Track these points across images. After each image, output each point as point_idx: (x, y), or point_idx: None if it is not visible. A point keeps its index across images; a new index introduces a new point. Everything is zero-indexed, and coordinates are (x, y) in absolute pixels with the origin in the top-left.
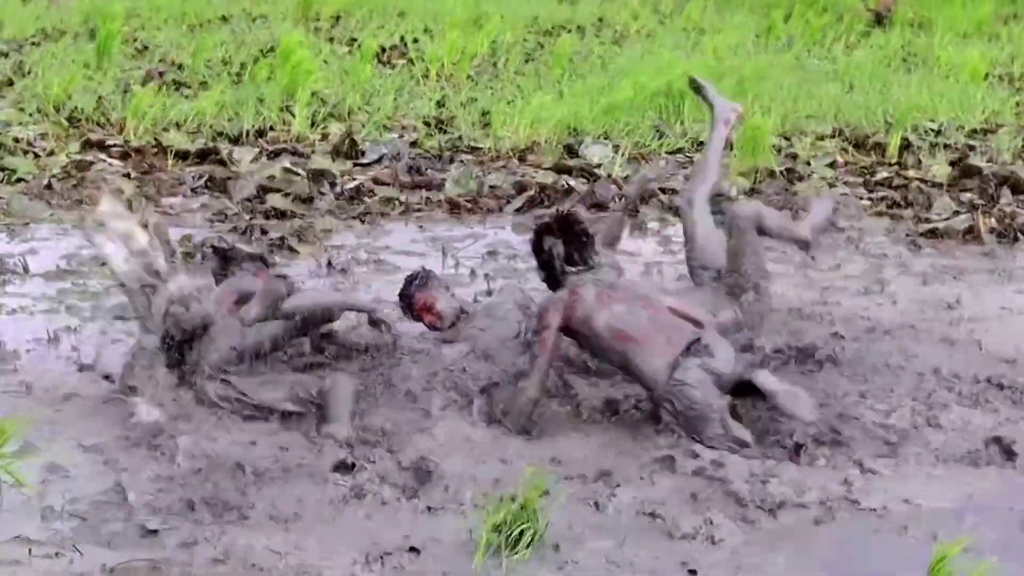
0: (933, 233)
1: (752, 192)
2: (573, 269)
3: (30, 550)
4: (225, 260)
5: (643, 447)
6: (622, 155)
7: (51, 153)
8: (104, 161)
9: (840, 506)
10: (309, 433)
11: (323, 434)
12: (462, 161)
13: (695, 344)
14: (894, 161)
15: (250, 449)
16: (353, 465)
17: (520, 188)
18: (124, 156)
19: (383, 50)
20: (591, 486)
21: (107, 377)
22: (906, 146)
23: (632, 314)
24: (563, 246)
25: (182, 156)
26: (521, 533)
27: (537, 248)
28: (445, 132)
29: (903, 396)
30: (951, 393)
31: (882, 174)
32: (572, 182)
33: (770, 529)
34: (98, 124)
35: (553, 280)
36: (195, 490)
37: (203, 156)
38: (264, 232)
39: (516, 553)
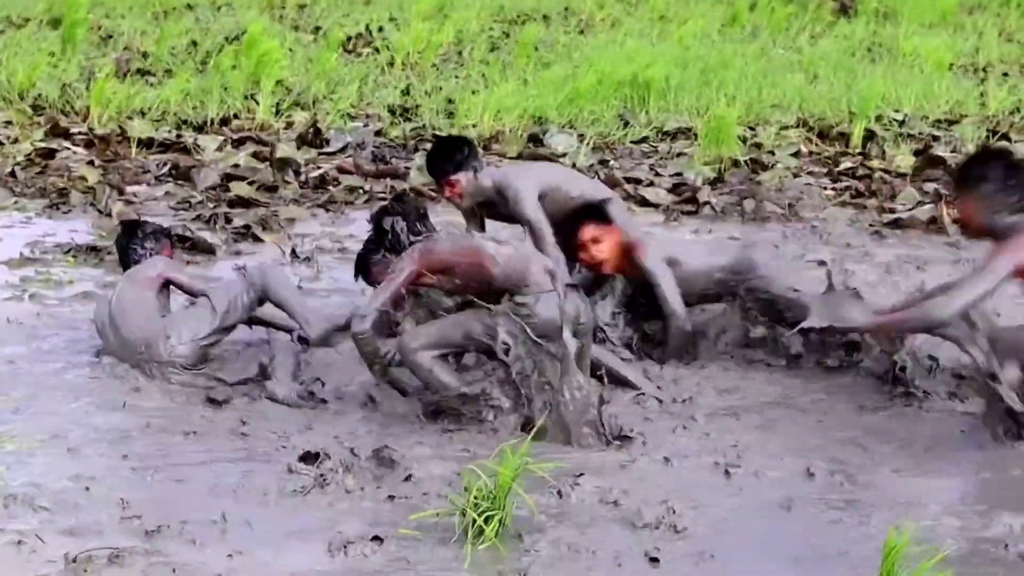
0: (897, 223)
1: (716, 181)
2: (418, 238)
3: None
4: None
5: None
6: (587, 144)
7: (15, 141)
8: (68, 149)
9: None
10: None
11: (267, 393)
12: (426, 150)
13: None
14: (858, 151)
15: (214, 440)
16: (317, 455)
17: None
18: (88, 144)
19: (348, 39)
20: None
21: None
22: (870, 136)
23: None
24: (404, 221)
25: (147, 144)
26: (486, 521)
27: (379, 230)
28: (410, 121)
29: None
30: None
31: (846, 164)
32: None
33: None
34: (62, 112)
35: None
36: (158, 480)
37: (167, 144)
38: (228, 220)
39: (482, 541)
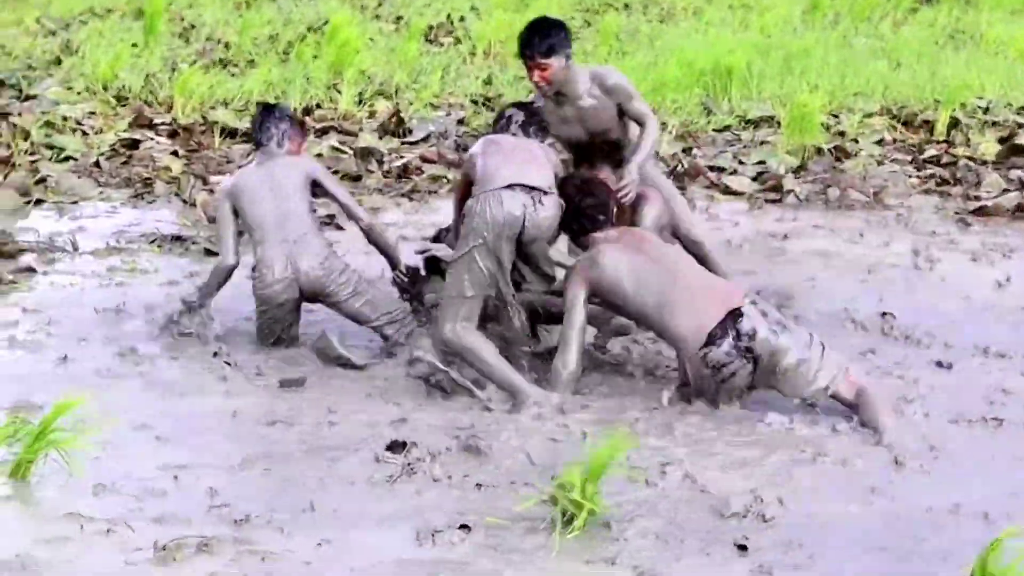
0: (982, 211)
1: (800, 169)
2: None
3: (82, 526)
4: None
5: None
6: (670, 132)
7: (99, 131)
8: (152, 139)
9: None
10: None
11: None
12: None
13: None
14: (942, 139)
15: (301, 429)
16: (404, 444)
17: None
18: (172, 134)
19: (430, 28)
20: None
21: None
22: (954, 124)
23: (660, 275)
24: (523, 119)
25: (230, 134)
26: (576, 509)
27: (499, 116)
28: (492, 110)
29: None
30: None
31: (930, 152)
32: None
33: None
34: (146, 102)
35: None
36: (246, 469)
37: (250, 134)
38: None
39: (571, 530)
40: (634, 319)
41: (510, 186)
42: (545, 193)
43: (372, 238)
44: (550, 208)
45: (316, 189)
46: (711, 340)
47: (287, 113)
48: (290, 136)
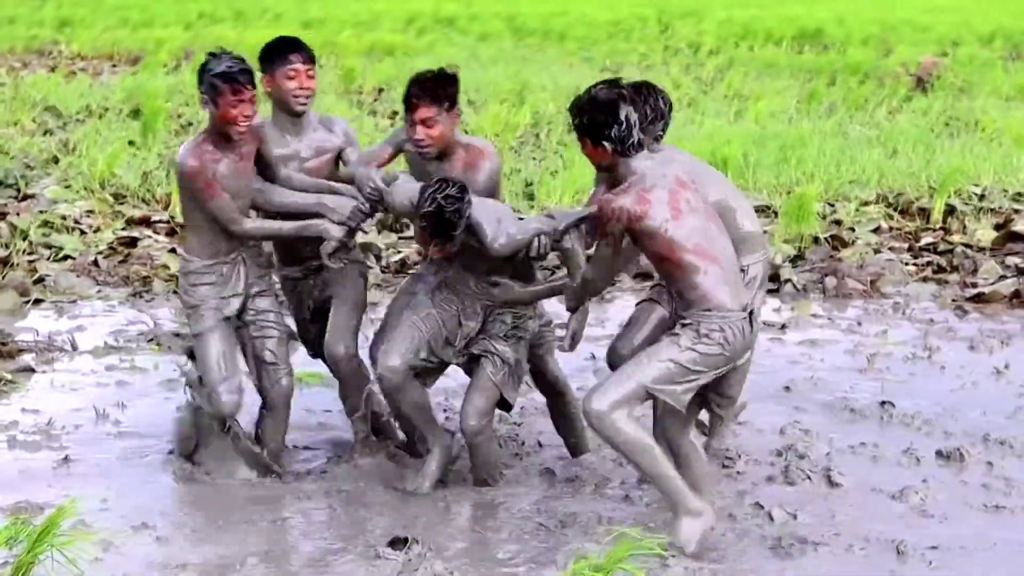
0: (979, 298)
1: (797, 259)
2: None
3: None
4: None
5: None
6: None
7: (97, 230)
8: (150, 237)
9: None
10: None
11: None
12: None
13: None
14: (939, 226)
15: (302, 525)
16: (406, 540)
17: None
18: (170, 232)
19: None
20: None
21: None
22: (950, 211)
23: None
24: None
25: None
26: None
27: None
28: None
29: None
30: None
31: (927, 239)
32: None
33: None
34: (143, 200)
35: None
36: (247, 568)
37: None
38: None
39: None
40: (663, 270)
41: None
42: None
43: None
44: None
45: None
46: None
47: None
48: None
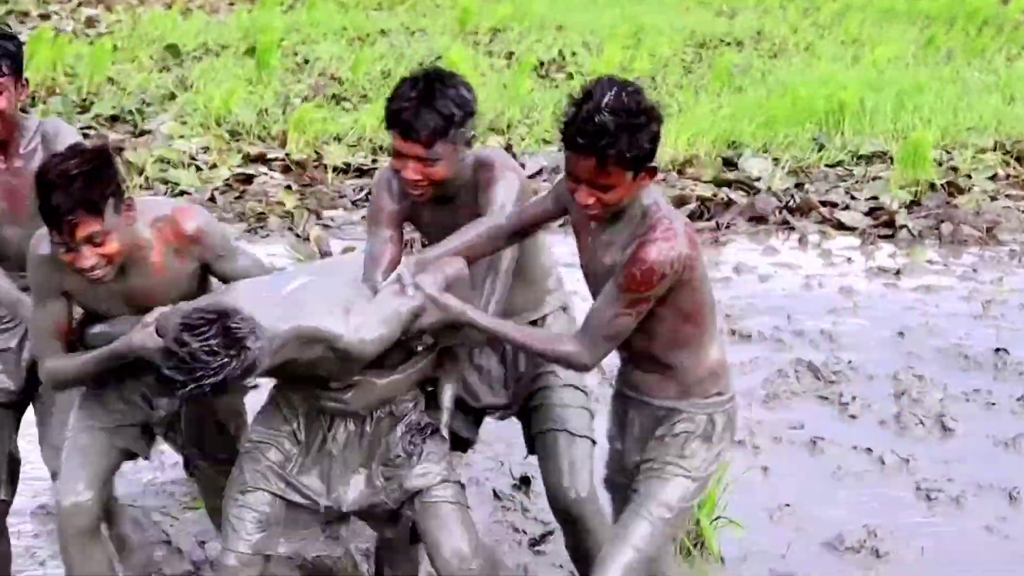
0: None
1: (913, 204)
2: None
3: None
4: None
5: None
6: (782, 168)
7: (213, 166)
8: (266, 174)
9: None
10: None
11: None
12: None
13: None
14: None
15: None
16: None
17: (680, 201)
18: (285, 169)
19: (541, 64)
20: None
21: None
22: None
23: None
24: None
25: (343, 170)
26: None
27: None
28: None
29: None
30: None
31: None
32: (732, 195)
33: None
34: (259, 138)
35: None
36: None
37: (363, 170)
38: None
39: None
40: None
41: None
42: None
43: None
44: None
45: None
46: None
47: None
48: None
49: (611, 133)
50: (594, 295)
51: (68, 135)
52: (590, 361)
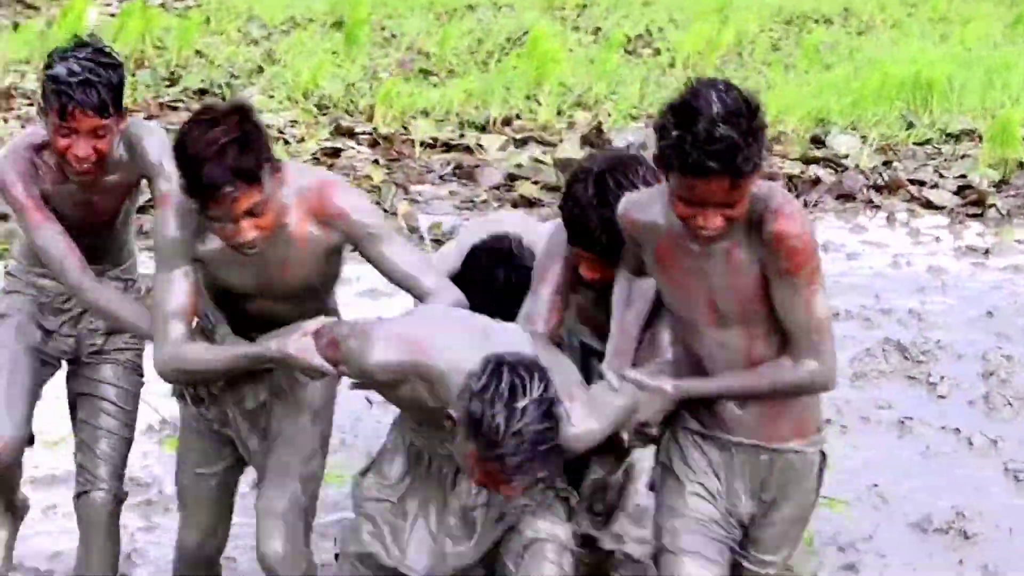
0: None
1: (1002, 183)
2: None
3: None
4: None
5: None
6: (870, 146)
7: (301, 140)
8: (353, 148)
9: None
10: None
11: None
12: None
13: None
14: None
15: None
16: None
17: (767, 179)
18: (373, 144)
19: (628, 39)
20: None
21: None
22: None
23: None
24: None
25: (430, 144)
26: None
27: None
28: None
29: None
30: None
31: None
32: (819, 172)
33: None
34: (346, 111)
35: None
36: None
37: (450, 144)
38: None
39: None
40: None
41: None
42: None
43: None
44: None
45: None
46: None
47: None
48: None
49: (738, 145)
50: (711, 323)
51: (151, 136)
52: (830, 366)
